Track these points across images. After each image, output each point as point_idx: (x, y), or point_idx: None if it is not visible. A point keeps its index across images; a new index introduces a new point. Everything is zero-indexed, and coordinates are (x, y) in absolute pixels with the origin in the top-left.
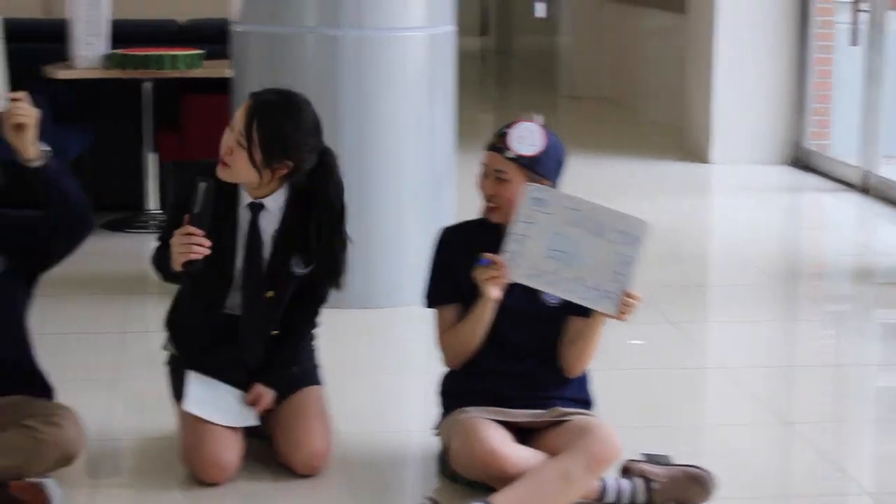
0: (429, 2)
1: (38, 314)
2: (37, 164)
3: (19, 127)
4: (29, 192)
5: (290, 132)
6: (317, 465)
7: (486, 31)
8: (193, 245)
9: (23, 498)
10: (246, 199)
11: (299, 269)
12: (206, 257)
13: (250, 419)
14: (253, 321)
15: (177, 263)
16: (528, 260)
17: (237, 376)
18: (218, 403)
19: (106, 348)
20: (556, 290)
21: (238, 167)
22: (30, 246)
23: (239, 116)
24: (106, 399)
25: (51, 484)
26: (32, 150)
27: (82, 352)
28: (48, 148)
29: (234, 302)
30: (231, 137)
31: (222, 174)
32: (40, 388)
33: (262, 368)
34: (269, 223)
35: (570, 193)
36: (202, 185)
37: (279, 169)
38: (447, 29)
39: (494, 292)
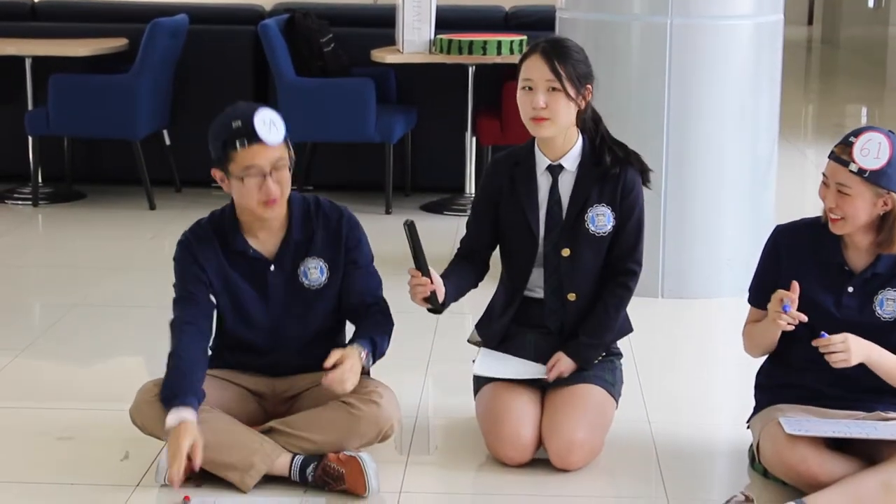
0: None
1: None
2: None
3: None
4: None
5: (579, 55)
6: (572, 459)
7: (812, 21)
8: (417, 287)
9: (339, 469)
10: (543, 163)
11: (598, 226)
12: (512, 240)
13: (537, 374)
14: (551, 280)
15: (419, 304)
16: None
17: (536, 357)
18: (505, 366)
19: (421, 329)
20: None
21: (558, 111)
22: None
23: (534, 72)
24: (419, 379)
25: (366, 458)
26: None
27: (399, 331)
28: (364, 353)
29: (535, 282)
30: (538, 95)
31: (543, 131)
32: None
33: (567, 338)
34: (568, 184)
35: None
36: (406, 228)
37: (585, 96)
38: (775, 18)
39: (781, 326)
